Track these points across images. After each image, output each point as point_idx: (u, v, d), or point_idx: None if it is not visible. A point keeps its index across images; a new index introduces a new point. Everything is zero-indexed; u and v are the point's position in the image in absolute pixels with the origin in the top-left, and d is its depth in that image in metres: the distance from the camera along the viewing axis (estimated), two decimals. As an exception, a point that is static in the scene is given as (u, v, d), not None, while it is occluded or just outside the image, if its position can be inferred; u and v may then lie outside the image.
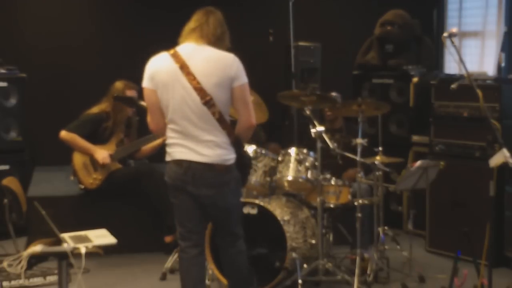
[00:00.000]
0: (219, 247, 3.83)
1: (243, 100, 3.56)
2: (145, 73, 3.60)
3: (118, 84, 5.39)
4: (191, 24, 3.64)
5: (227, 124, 3.55)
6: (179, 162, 3.55)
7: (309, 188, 4.85)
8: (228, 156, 3.56)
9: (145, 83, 3.59)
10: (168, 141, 3.63)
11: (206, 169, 3.51)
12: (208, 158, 3.51)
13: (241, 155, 3.68)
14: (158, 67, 3.56)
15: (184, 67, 3.49)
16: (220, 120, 3.51)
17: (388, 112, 5.17)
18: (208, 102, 3.47)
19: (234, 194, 3.67)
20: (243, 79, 3.55)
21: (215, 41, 3.58)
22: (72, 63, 6.94)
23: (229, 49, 3.62)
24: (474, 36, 6.79)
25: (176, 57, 3.53)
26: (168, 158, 3.63)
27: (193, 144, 3.52)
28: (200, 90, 3.47)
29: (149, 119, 3.66)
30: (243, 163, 3.72)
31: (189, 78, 3.47)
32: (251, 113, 3.58)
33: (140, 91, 5.40)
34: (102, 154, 5.27)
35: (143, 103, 4.88)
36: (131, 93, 5.35)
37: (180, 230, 3.69)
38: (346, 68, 6.84)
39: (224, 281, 4.37)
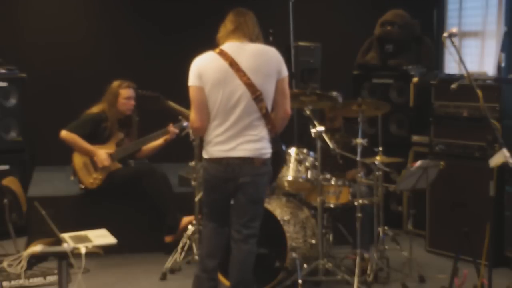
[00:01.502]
0: (232, 242, 3.84)
1: (284, 91, 3.74)
2: (192, 71, 3.71)
3: (114, 84, 5.41)
4: (228, 25, 3.77)
5: (271, 119, 3.71)
6: (218, 161, 3.70)
7: (309, 188, 4.85)
8: (266, 150, 3.72)
9: (193, 81, 3.69)
10: (208, 137, 3.73)
11: (245, 163, 3.66)
12: (247, 152, 3.66)
13: (278, 151, 3.87)
14: (206, 66, 3.68)
15: (233, 64, 3.63)
16: (266, 115, 3.68)
17: (388, 112, 5.17)
18: (258, 97, 3.63)
19: (264, 188, 3.80)
20: (285, 71, 3.76)
21: (255, 40, 3.76)
22: (72, 64, 6.95)
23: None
24: (474, 36, 6.78)
25: (224, 55, 3.66)
26: (205, 156, 3.76)
27: (234, 140, 3.66)
28: (250, 86, 3.62)
29: (193, 117, 3.73)
30: (278, 160, 3.92)
31: (239, 75, 3.62)
32: (289, 104, 3.77)
33: (136, 88, 5.46)
34: (101, 156, 5.26)
35: (171, 103, 4.92)
36: (125, 92, 5.36)
37: (205, 210, 3.91)
38: (346, 68, 6.84)
39: (226, 283, 4.37)
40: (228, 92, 3.63)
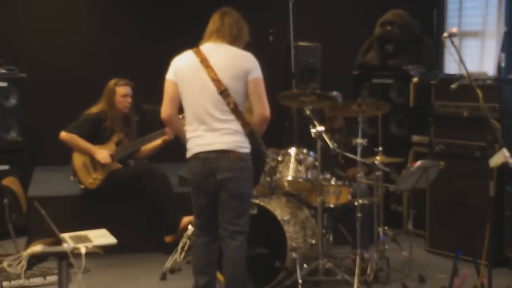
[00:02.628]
0: (221, 240, 3.88)
1: (258, 93, 3.81)
2: (170, 67, 3.91)
3: (110, 82, 5.43)
4: (210, 27, 3.95)
5: (242, 115, 3.80)
6: (197, 156, 3.79)
7: (309, 188, 4.85)
8: (242, 144, 3.79)
9: (169, 75, 3.90)
10: (188, 135, 3.86)
11: (221, 156, 3.73)
12: (222, 145, 3.75)
13: (257, 149, 3.88)
14: (182, 62, 3.89)
15: (204, 61, 3.79)
16: (235, 110, 3.76)
17: (388, 112, 5.17)
18: (223, 92, 3.74)
19: (246, 183, 3.83)
20: (258, 73, 3.83)
21: (233, 40, 3.89)
22: (72, 64, 6.95)
23: (248, 43, 3.97)
24: (474, 36, 6.78)
25: (198, 53, 3.83)
26: (188, 155, 3.87)
27: (209, 133, 3.77)
28: (216, 81, 3.75)
29: (162, 108, 3.90)
30: (258, 158, 3.91)
31: (208, 71, 3.77)
32: (265, 106, 3.83)
33: (134, 86, 5.47)
34: (102, 154, 5.27)
35: None
36: (122, 90, 5.38)
37: (196, 220, 3.98)
38: (346, 68, 6.84)
39: (221, 278, 4.36)
40: (198, 86, 3.78)
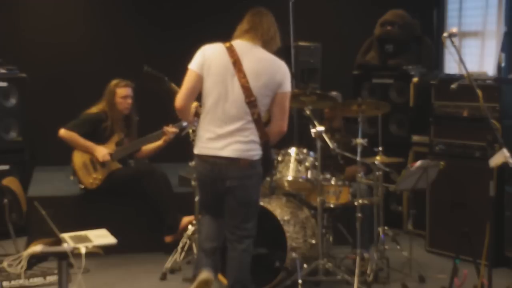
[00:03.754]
0: (228, 242, 3.84)
1: (282, 106, 3.70)
2: (197, 56, 3.69)
3: (111, 83, 5.43)
4: (244, 25, 3.76)
5: (262, 126, 3.66)
6: (205, 158, 3.69)
7: (309, 188, 4.85)
8: (254, 152, 3.67)
9: (193, 65, 3.68)
10: (200, 132, 3.73)
11: (231, 163, 3.63)
12: (234, 152, 3.63)
13: (267, 157, 3.77)
14: (212, 56, 3.66)
15: (237, 63, 3.60)
16: (257, 121, 3.63)
17: (388, 112, 5.17)
18: (252, 102, 3.60)
19: (255, 189, 3.76)
20: (288, 87, 3.70)
21: (269, 41, 3.74)
22: (72, 63, 6.95)
23: (278, 48, 3.81)
24: (474, 36, 6.79)
25: (231, 51, 3.63)
26: (196, 151, 3.75)
27: (223, 140, 3.64)
28: (247, 89, 3.59)
29: (179, 96, 3.71)
30: (266, 166, 3.81)
31: (239, 76, 3.59)
32: (285, 121, 3.72)
33: (135, 87, 5.46)
34: (102, 152, 5.27)
35: (173, 85, 4.91)
36: (122, 91, 5.37)
37: (201, 205, 4.02)
38: (346, 68, 6.84)
39: (224, 281, 4.37)
40: (225, 90, 3.62)
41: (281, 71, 3.69)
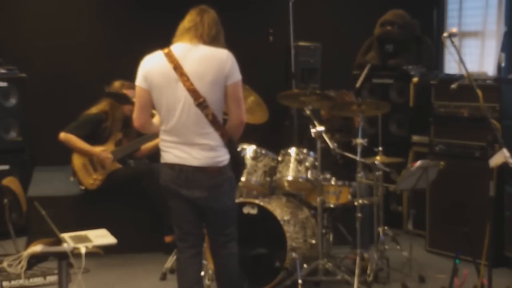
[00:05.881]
0: (211, 248, 3.76)
1: (236, 97, 3.52)
2: (139, 71, 3.57)
3: (116, 84, 5.42)
4: (185, 23, 3.59)
5: (220, 125, 3.52)
6: (171, 166, 3.54)
7: (309, 188, 4.85)
8: (221, 158, 3.52)
9: (138, 81, 3.56)
10: (161, 143, 3.61)
11: (198, 171, 3.48)
12: (200, 161, 3.48)
13: (235, 155, 3.65)
14: (152, 67, 3.53)
15: (177, 68, 3.45)
16: (213, 121, 3.47)
17: (388, 112, 5.17)
18: (201, 104, 3.44)
19: (228, 195, 3.63)
20: (237, 76, 3.51)
21: (211, 41, 3.53)
22: (72, 63, 6.95)
23: (226, 49, 3.56)
24: (474, 36, 6.79)
25: (170, 56, 3.49)
26: (162, 161, 3.62)
27: (186, 147, 3.50)
28: (193, 92, 3.43)
29: (134, 115, 3.62)
30: (237, 163, 3.69)
31: (182, 80, 3.44)
32: (243, 110, 3.55)
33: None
34: (102, 154, 5.27)
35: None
36: (128, 93, 5.36)
37: (177, 231, 3.70)
38: (346, 68, 6.84)
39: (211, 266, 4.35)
40: (172, 97, 3.46)
41: (226, 63, 3.46)
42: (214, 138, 3.49)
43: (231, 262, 3.73)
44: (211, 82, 3.44)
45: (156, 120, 3.74)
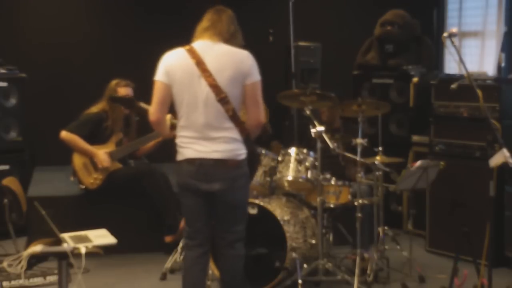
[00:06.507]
0: (217, 248, 3.76)
1: (254, 97, 3.59)
2: (160, 66, 3.62)
3: (112, 82, 5.42)
4: (204, 23, 3.68)
5: (240, 121, 3.59)
6: (191, 161, 3.58)
7: (309, 188, 4.85)
8: (239, 151, 3.60)
9: (159, 76, 3.60)
10: (180, 139, 3.64)
11: (218, 165, 3.54)
12: (220, 154, 3.54)
13: (252, 152, 3.72)
14: (174, 62, 3.59)
15: (200, 64, 3.53)
16: (233, 117, 3.55)
17: (388, 112, 5.17)
18: (223, 99, 3.51)
19: (243, 190, 3.69)
20: (256, 76, 3.59)
21: (229, 38, 3.63)
22: (72, 64, 6.95)
23: (242, 47, 3.66)
24: (474, 36, 6.78)
25: (192, 52, 3.56)
26: (179, 157, 3.64)
27: (205, 141, 3.55)
28: (215, 87, 3.51)
29: (151, 110, 3.64)
30: (253, 160, 3.78)
31: (205, 75, 3.52)
32: (261, 111, 3.62)
33: (134, 87, 5.46)
34: (101, 157, 5.26)
35: (142, 104, 4.91)
36: (123, 90, 5.37)
37: (187, 229, 3.74)
38: (346, 68, 6.84)
39: (216, 272, 4.35)
40: (194, 92, 3.53)
41: (246, 61, 3.57)
42: (233, 133, 3.57)
43: (237, 265, 3.73)
44: (231, 78, 3.52)
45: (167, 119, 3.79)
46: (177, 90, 3.58)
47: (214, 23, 3.64)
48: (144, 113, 4.37)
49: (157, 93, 3.61)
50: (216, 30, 3.62)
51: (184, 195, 3.68)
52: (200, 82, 3.53)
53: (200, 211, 3.67)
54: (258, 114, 3.60)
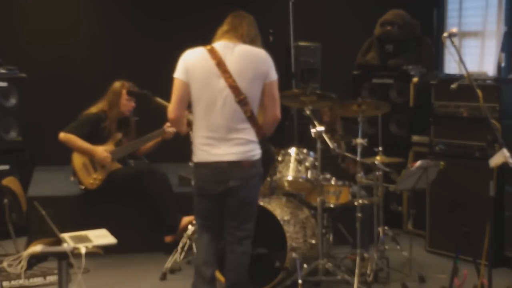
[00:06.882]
0: (226, 245, 3.81)
1: (272, 96, 3.68)
2: (180, 64, 3.66)
3: (116, 84, 5.41)
4: (224, 27, 3.73)
5: (257, 122, 3.64)
6: (207, 165, 3.64)
7: (309, 188, 4.85)
8: (254, 151, 3.65)
9: (178, 74, 3.65)
10: (197, 140, 3.68)
11: (233, 166, 3.60)
12: (235, 156, 3.60)
13: (267, 151, 3.78)
14: (195, 61, 3.63)
15: (221, 64, 3.57)
16: (251, 118, 3.61)
17: (388, 112, 5.17)
18: (242, 100, 3.57)
19: (256, 189, 3.75)
20: (274, 75, 3.69)
21: (250, 42, 3.69)
22: (72, 64, 6.95)
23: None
24: (474, 36, 6.78)
25: (213, 53, 3.60)
26: (195, 159, 3.70)
27: (222, 142, 3.60)
28: (235, 89, 3.56)
29: (170, 108, 3.68)
30: (268, 160, 3.83)
31: (225, 76, 3.56)
32: (278, 108, 3.71)
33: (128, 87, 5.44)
34: (101, 155, 5.27)
35: (159, 99, 4.92)
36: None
37: (199, 221, 3.87)
38: (346, 68, 6.84)
39: (221, 279, 4.36)
40: (213, 92, 3.57)
41: (265, 61, 3.65)
42: (250, 134, 3.63)
43: (243, 262, 3.80)
44: (251, 79, 3.58)
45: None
46: (195, 89, 3.61)
47: (235, 27, 3.70)
48: (162, 109, 4.39)
49: (176, 91, 3.66)
50: (237, 33, 3.68)
51: (199, 198, 3.78)
52: (219, 83, 3.57)
53: (212, 211, 3.76)
54: (275, 110, 3.70)
